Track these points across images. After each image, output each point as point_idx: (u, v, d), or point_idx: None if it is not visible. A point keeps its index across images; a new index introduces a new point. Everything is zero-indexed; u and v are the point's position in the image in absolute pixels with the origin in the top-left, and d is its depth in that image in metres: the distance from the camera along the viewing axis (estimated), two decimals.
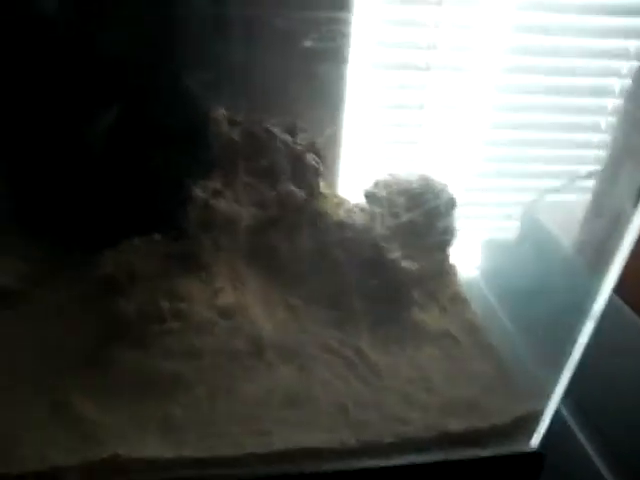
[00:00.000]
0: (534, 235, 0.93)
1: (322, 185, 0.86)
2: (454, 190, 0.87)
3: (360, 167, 0.94)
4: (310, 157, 0.81)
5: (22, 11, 0.71)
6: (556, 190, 0.90)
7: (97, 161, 0.80)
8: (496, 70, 0.88)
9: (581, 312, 0.64)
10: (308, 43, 0.71)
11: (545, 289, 0.80)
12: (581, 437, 0.78)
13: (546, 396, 0.69)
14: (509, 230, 0.98)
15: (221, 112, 0.79)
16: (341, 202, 0.87)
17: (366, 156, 0.95)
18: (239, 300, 0.75)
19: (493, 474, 0.69)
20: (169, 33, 0.73)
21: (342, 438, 0.65)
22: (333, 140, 0.90)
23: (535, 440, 0.69)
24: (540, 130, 0.92)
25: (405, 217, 0.84)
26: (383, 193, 0.85)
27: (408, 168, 0.93)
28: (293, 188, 0.79)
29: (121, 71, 0.73)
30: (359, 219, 0.82)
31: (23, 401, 0.65)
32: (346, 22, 0.76)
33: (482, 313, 0.85)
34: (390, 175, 0.87)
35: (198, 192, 0.74)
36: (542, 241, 0.91)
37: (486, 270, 0.97)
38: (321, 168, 0.82)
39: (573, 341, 0.65)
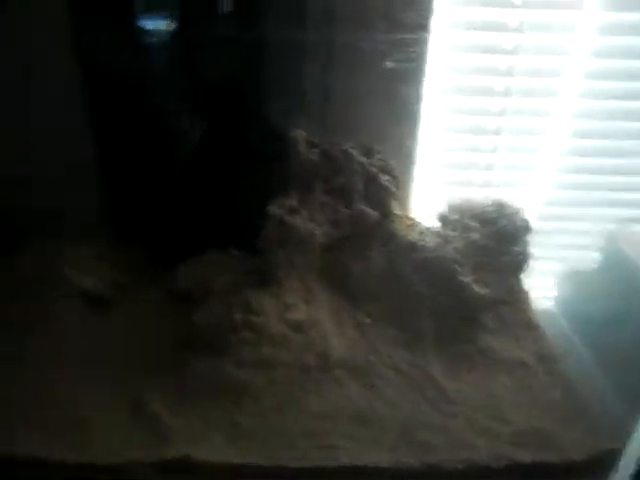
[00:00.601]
0: (616, 265, 0.89)
1: (395, 206, 0.87)
2: (529, 216, 0.86)
3: (435, 190, 0.95)
4: (384, 178, 0.82)
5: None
6: None
7: (189, 176, 0.85)
8: (574, 95, 0.87)
9: None
10: (387, 65, 0.74)
11: (629, 322, 0.76)
12: None
13: (628, 434, 0.65)
14: (589, 260, 0.94)
15: (300, 133, 0.82)
16: (414, 224, 0.87)
17: (441, 179, 0.96)
18: (310, 316, 0.77)
19: None
20: (254, 58, 0.77)
21: (407, 459, 0.64)
22: (408, 162, 0.92)
23: None
24: (622, 156, 0.89)
25: (478, 241, 0.83)
26: (456, 217, 0.85)
27: (482, 192, 0.93)
28: (366, 208, 0.81)
29: (214, 94, 0.78)
30: (432, 241, 0.82)
31: (105, 399, 0.68)
32: (424, 44, 0.78)
33: (558, 343, 0.82)
34: (463, 199, 0.87)
35: (275, 209, 0.77)
36: (626, 272, 0.87)
37: (564, 300, 0.94)
38: (393, 189, 0.83)
39: None
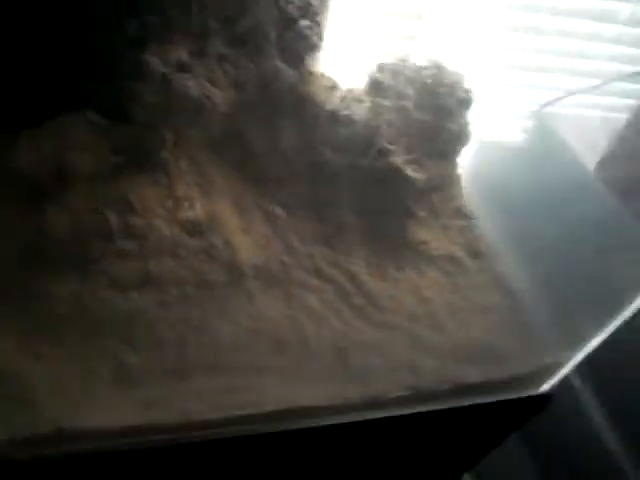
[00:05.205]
0: (543, 144, 0.80)
1: (314, 63, 0.67)
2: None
3: (353, 43, 0.75)
4: (304, 24, 0.61)
5: None
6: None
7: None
8: None
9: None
10: None
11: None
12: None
13: (570, 345, 0.60)
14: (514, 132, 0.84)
15: None
16: (334, 86, 0.68)
17: (361, 30, 0.76)
18: (209, 210, 0.58)
19: (499, 416, 0.62)
20: None
21: (343, 392, 0.54)
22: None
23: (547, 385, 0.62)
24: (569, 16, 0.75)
25: (413, 113, 0.67)
26: (390, 82, 0.67)
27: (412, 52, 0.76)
28: (280, 64, 0.60)
29: None
30: (359, 112, 0.65)
31: None
32: None
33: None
34: (398, 59, 0.69)
35: (155, 62, 0.53)
36: (553, 150, 0.79)
37: (486, 179, 0.84)
38: (315, 39, 0.63)
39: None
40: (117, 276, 0.52)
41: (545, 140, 0.80)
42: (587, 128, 0.76)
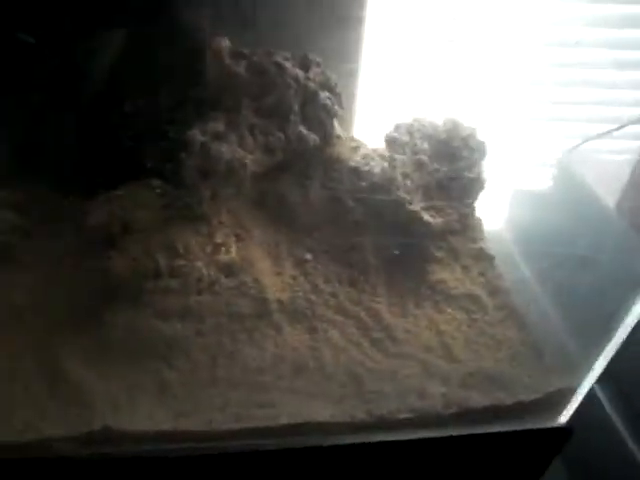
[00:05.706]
0: (567, 189, 0.84)
1: (337, 127, 0.77)
2: (483, 135, 0.78)
3: (378, 108, 0.85)
4: (324, 95, 0.71)
5: None
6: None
7: (90, 99, 0.71)
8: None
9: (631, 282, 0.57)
10: None
11: (584, 251, 0.72)
12: (607, 406, 0.72)
13: (581, 372, 0.62)
14: (541, 179, 0.89)
15: (223, 42, 0.69)
16: (358, 146, 0.78)
17: (385, 96, 0.86)
18: (243, 255, 0.69)
19: (517, 448, 0.64)
20: None
21: (353, 412, 0.59)
22: (351, 77, 0.81)
23: (564, 416, 0.63)
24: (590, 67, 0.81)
25: (428, 164, 0.75)
26: (405, 138, 0.76)
27: (432, 111, 0.84)
28: (304, 130, 0.71)
29: None
30: (377, 166, 0.74)
31: (14, 366, 0.59)
32: None
33: (508, 273, 0.77)
34: (414, 119, 0.78)
35: (196, 135, 0.65)
36: (577, 196, 0.82)
37: (514, 223, 0.89)
38: (335, 108, 0.73)
39: (619, 316, 0.58)
40: (163, 308, 0.63)
41: (571, 185, 0.83)
42: (610, 171, 0.79)
